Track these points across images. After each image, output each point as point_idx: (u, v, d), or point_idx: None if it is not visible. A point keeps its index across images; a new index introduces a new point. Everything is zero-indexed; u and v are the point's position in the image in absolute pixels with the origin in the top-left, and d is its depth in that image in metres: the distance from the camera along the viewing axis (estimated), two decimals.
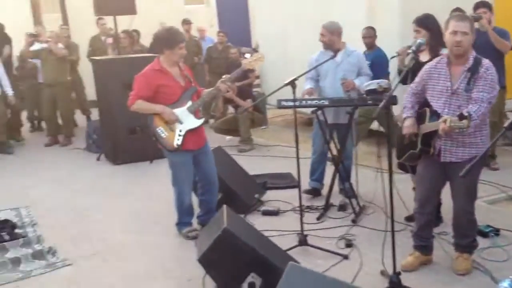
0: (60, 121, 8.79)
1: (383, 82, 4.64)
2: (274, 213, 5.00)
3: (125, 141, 7.15)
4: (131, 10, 7.39)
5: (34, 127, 9.99)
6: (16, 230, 4.88)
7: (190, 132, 4.44)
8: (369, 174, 5.40)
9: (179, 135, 4.40)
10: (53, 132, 8.71)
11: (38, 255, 4.39)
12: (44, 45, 8.37)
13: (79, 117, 9.81)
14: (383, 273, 3.63)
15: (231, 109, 8.67)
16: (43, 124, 9.49)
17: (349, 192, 5.00)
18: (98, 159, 7.50)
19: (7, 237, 4.68)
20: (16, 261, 4.30)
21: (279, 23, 9.18)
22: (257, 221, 4.69)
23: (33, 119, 9.92)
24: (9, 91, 8.09)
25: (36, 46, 8.66)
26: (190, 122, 4.45)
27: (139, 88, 4.41)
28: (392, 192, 3.34)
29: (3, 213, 5.41)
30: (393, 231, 3.41)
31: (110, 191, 6.12)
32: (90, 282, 3.92)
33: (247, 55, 7.51)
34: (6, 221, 5.00)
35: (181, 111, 4.43)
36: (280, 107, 4.76)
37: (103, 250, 4.48)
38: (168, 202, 4.74)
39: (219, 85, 4.48)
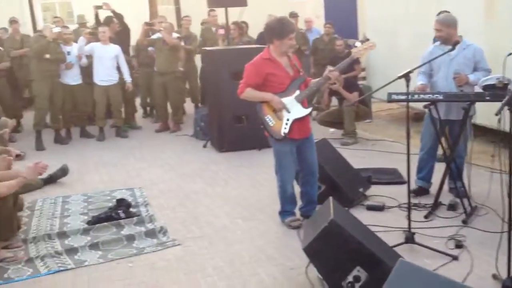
0: (169, 109, 9.19)
1: (503, 77, 4.37)
2: (379, 208, 4.90)
3: (231, 130, 7.34)
4: (242, 2, 7.58)
5: (147, 113, 10.51)
6: (131, 209, 5.18)
7: (297, 121, 4.47)
8: (483, 174, 5.14)
9: (286, 124, 4.44)
10: (164, 119, 9.13)
11: (150, 234, 4.63)
12: (160, 35, 8.77)
13: (188, 105, 10.16)
14: (495, 276, 3.47)
15: (334, 101, 8.60)
16: (155, 111, 9.97)
17: (460, 192, 4.77)
18: (204, 146, 7.76)
19: (123, 215, 4.97)
20: (131, 238, 4.56)
21: (388, 15, 8.95)
22: (361, 216, 4.60)
23: (146, 105, 10.44)
24: (128, 78, 8.56)
25: (155, 36, 9.08)
26: (298, 111, 4.47)
27: (249, 77, 4.48)
28: (511, 193, 3.17)
29: (119, 193, 5.79)
30: (510, 234, 3.24)
31: (216, 177, 6.32)
32: (197, 263, 4.08)
33: (358, 44, 7.37)
34: (122, 200, 5.31)
35: (289, 100, 4.46)
36: (391, 100, 4.62)
37: (210, 233, 4.64)
38: (272, 191, 4.81)
39: (328, 74, 4.45)
